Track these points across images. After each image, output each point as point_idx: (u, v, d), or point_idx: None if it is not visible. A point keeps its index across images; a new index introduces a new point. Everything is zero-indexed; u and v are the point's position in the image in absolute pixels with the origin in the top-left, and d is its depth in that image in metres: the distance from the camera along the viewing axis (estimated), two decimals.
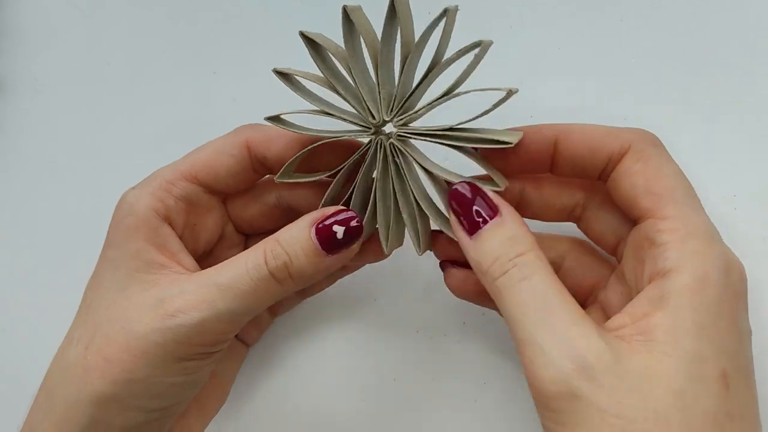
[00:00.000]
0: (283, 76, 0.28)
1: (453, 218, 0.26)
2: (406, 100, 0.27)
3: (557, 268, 0.30)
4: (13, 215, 0.40)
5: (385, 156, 0.28)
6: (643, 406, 0.21)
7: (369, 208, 0.28)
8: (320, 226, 0.26)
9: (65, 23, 0.40)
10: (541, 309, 0.23)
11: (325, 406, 0.36)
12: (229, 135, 0.29)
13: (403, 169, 0.28)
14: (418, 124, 0.28)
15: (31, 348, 0.37)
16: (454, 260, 0.30)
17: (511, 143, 0.26)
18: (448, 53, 0.26)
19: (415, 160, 0.28)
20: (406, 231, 0.29)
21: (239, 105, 0.38)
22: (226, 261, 0.27)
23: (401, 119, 0.27)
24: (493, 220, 0.25)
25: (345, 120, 0.28)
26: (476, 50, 0.25)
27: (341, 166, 0.28)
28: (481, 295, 0.29)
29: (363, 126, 0.28)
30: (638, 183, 0.25)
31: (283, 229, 0.27)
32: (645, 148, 0.26)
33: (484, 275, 0.25)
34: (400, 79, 0.27)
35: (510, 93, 0.26)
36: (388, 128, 0.28)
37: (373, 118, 0.27)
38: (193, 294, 0.25)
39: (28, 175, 0.40)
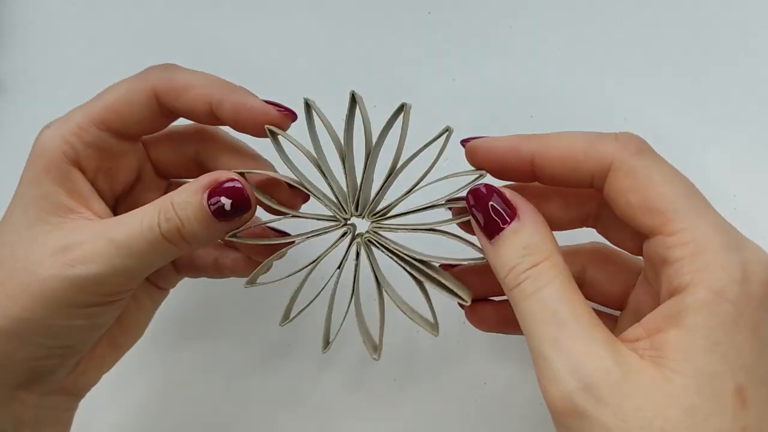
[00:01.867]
0: (273, 135, 0.28)
1: (472, 219, 0.26)
2: (374, 198, 0.27)
3: (580, 282, 0.29)
4: None
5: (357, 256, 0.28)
6: (649, 425, 0.21)
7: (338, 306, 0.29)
8: (212, 194, 0.26)
9: (65, 23, 0.40)
10: (550, 323, 0.23)
11: (325, 405, 0.36)
12: (137, 79, 0.28)
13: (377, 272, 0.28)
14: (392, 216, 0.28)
15: None
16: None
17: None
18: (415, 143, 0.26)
19: (394, 250, 0.27)
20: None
21: None
22: (125, 214, 0.27)
23: (376, 217, 0.27)
24: (510, 225, 0.24)
25: (322, 201, 0.28)
26: (444, 135, 0.26)
27: (313, 262, 0.28)
28: (505, 326, 0.29)
29: (336, 219, 0.28)
30: (633, 201, 0.24)
31: (179, 190, 0.27)
32: (627, 160, 0.24)
33: (501, 283, 0.25)
34: (363, 176, 0.27)
35: (481, 176, 0.26)
36: (361, 225, 0.28)
37: (350, 211, 0.28)
38: (91, 245, 0.26)
39: None
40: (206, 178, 0.26)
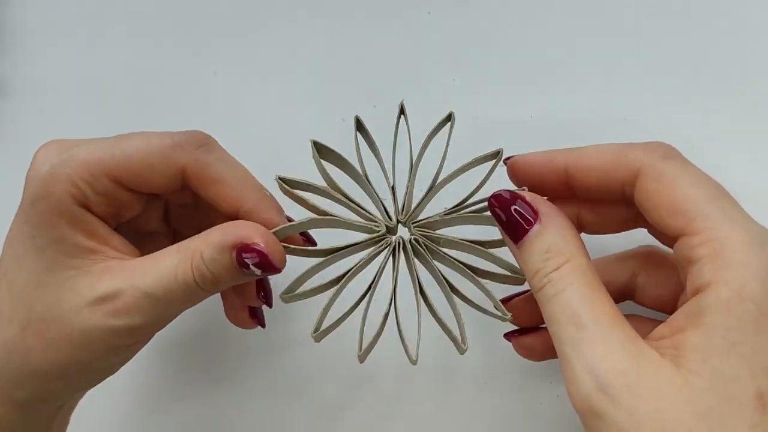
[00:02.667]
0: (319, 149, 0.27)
1: (498, 224, 0.26)
2: (417, 206, 0.28)
3: (631, 287, 0.29)
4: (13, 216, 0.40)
5: (407, 257, 0.28)
6: (662, 428, 0.20)
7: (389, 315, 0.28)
8: (239, 256, 0.26)
9: (66, 24, 0.40)
10: (570, 325, 0.23)
11: (325, 406, 0.36)
12: (165, 147, 0.27)
13: (431, 260, 0.28)
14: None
15: None
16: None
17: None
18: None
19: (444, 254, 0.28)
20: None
21: (239, 105, 0.38)
22: (151, 260, 0.27)
23: (417, 223, 0.28)
24: (533, 228, 0.25)
25: (354, 226, 0.28)
26: (493, 160, 0.27)
27: (348, 272, 0.28)
28: (551, 352, 0.29)
29: (375, 229, 0.28)
30: (660, 204, 0.24)
31: (205, 240, 0.26)
32: (655, 164, 0.25)
33: (529, 285, 0.25)
34: (408, 186, 0.27)
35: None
36: (401, 233, 0.28)
37: (389, 219, 0.28)
38: (131, 298, 0.26)
39: None
40: (231, 236, 0.26)
